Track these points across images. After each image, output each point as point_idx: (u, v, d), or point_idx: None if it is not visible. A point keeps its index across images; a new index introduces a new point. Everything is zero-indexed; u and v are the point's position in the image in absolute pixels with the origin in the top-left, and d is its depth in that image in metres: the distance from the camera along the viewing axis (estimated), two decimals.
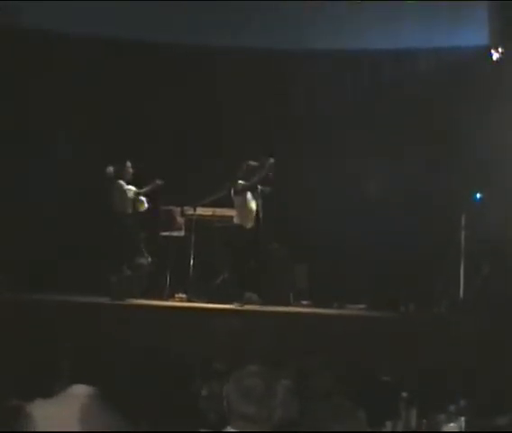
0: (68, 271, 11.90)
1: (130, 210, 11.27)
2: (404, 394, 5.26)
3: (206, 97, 13.22)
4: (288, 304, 11.58)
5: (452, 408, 5.09)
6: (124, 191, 11.22)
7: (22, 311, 9.20)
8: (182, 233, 12.14)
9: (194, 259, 11.61)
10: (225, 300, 10.95)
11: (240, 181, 11.09)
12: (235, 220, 11.23)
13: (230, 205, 11.64)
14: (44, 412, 4.09)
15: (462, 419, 5.03)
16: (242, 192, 11.13)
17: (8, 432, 4.04)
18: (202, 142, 13.10)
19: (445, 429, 5.01)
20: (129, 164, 11.30)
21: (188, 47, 13.17)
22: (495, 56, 12.23)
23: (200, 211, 11.81)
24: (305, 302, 11.95)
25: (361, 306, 11.85)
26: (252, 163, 11.20)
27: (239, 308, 10.57)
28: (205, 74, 13.27)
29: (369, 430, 3.73)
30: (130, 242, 11.18)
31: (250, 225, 11.15)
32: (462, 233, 11.33)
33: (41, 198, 12.50)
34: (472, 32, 12.54)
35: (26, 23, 12.67)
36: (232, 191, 11.18)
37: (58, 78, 12.84)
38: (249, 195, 11.20)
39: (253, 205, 11.22)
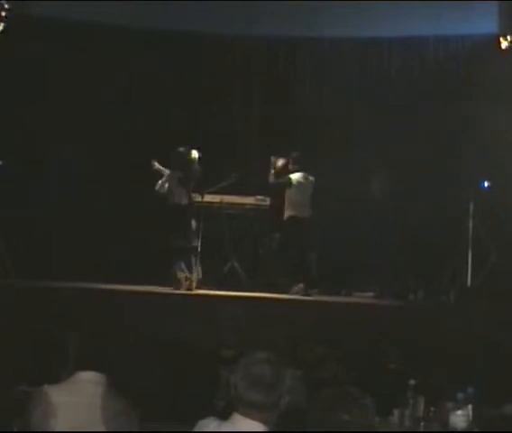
0: (71, 257, 11.92)
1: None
2: (411, 382, 5.26)
3: (213, 85, 13.23)
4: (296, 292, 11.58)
5: (459, 396, 5.09)
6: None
7: (30, 297, 9.24)
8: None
9: (201, 246, 11.63)
10: (233, 288, 10.99)
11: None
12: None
13: (238, 192, 11.69)
14: (53, 398, 4.11)
15: (470, 406, 5.03)
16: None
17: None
18: (211, 131, 13.06)
19: (453, 417, 5.01)
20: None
21: (199, 36, 13.13)
22: (504, 44, 12.20)
23: (208, 198, 11.80)
24: (313, 290, 11.94)
25: (370, 294, 11.85)
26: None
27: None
28: (215, 63, 13.26)
29: (376, 418, 3.74)
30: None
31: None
32: (470, 221, 11.32)
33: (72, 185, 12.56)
34: (481, 21, 12.49)
35: (38, 11, 12.64)
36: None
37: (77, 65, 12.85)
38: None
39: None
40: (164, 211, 11.32)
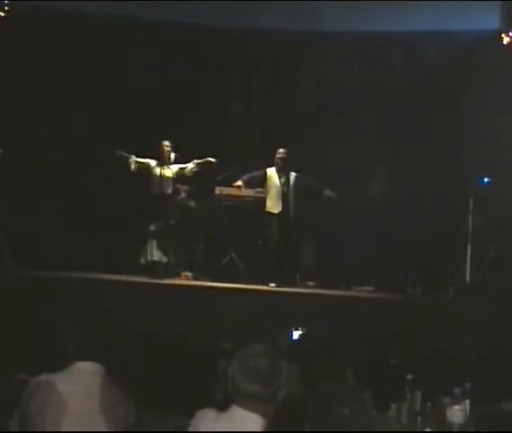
0: (72, 247, 11.93)
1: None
2: (409, 376, 5.27)
3: (216, 78, 13.22)
4: (294, 285, 11.59)
5: (457, 391, 5.09)
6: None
7: (30, 287, 9.25)
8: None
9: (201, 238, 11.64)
10: (231, 279, 11.01)
11: None
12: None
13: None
14: (52, 387, 4.12)
15: (467, 402, 5.03)
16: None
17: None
18: (213, 124, 13.06)
19: (450, 412, 5.01)
20: (167, 143, 11.46)
21: (203, 28, 13.12)
22: (505, 40, 12.18)
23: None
24: (311, 283, 11.95)
25: (368, 288, 11.85)
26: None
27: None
28: (212, 57, 13.26)
29: (374, 412, 3.74)
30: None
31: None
32: (470, 217, 11.32)
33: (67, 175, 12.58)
34: (483, 16, 12.46)
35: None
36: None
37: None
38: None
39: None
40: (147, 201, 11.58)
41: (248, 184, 11.73)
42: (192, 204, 11.96)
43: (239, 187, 11.61)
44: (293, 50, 13.60)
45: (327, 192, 11.63)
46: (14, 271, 10.43)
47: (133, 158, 11.43)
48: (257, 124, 13.38)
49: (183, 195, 11.90)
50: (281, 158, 11.64)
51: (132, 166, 11.40)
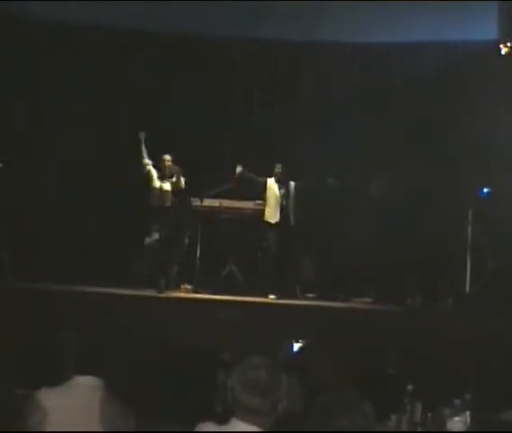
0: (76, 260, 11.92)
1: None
2: (409, 387, 5.26)
3: (217, 87, 13.24)
4: (294, 297, 11.58)
5: (457, 402, 5.09)
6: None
7: (29, 300, 9.24)
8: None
9: (200, 250, 11.65)
10: (231, 292, 11.02)
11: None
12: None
13: (236, 197, 11.73)
14: (51, 402, 4.12)
15: (467, 413, 5.03)
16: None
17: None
18: (210, 135, 13.06)
19: (450, 423, 5.01)
20: (168, 157, 11.46)
21: (203, 38, 13.15)
22: (504, 50, 12.20)
23: (207, 203, 11.84)
24: (311, 295, 11.95)
25: (367, 299, 11.84)
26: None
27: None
28: (216, 65, 13.26)
29: (373, 423, 3.73)
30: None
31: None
32: (469, 227, 11.32)
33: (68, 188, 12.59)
34: (481, 27, 12.48)
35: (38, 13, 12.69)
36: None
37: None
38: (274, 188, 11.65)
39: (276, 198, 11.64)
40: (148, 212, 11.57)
41: (248, 185, 11.76)
42: (191, 217, 11.96)
43: (235, 179, 11.63)
44: (293, 60, 13.56)
45: (331, 180, 11.68)
46: (14, 284, 10.44)
47: (148, 162, 11.47)
48: (256, 136, 13.35)
49: (182, 207, 11.90)
50: (279, 171, 11.69)
51: (144, 168, 11.44)
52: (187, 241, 11.70)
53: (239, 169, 11.65)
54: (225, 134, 13.17)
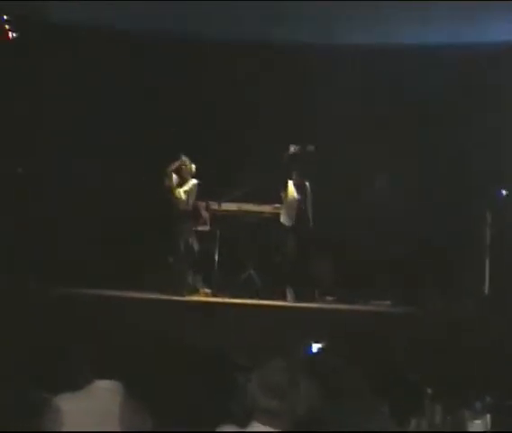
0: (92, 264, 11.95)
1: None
2: (429, 390, 5.24)
3: (230, 92, 13.22)
4: (312, 300, 11.57)
5: (477, 405, 5.06)
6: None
7: (48, 305, 9.28)
8: (207, 227, 12.15)
9: (219, 254, 11.67)
10: (250, 295, 11.04)
11: None
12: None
13: (255, 200, 11.73)
14: (69, 406, 4.13)
15: (488, 416, 5.01)
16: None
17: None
18: (228, 137, 13.07)
19: (470, 426, 4.99)
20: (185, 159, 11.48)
21: (201, 40, 13.10)
22: None
23: (225, 206, 11.86)
24: (330, 298, 11.93)
25: (387, 302, 11.81)
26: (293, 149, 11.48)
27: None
28: (231, 68, 13.25)
29: (393, 426, 3.73)
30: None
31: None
32: (488, 230, 11.27)
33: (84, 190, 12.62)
34: (499, 28, 12.42)
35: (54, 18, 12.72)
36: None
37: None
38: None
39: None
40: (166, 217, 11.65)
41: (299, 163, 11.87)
42: (210, 220, 11.98)
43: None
44: (298, 62, 13.47)
45: (310, 148, 11.68)
46: (34, 288, 10.48)
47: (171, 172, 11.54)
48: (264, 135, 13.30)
49: (202, 211, 11.92)
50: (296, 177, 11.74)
51: (167, 179, 11.49)
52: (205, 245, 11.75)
53: (293, 148, 11.69)
54: (247, 137, 13.13)
